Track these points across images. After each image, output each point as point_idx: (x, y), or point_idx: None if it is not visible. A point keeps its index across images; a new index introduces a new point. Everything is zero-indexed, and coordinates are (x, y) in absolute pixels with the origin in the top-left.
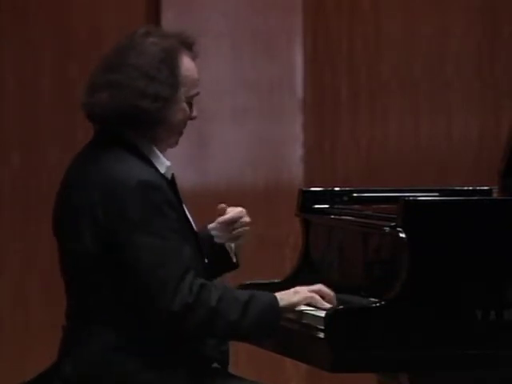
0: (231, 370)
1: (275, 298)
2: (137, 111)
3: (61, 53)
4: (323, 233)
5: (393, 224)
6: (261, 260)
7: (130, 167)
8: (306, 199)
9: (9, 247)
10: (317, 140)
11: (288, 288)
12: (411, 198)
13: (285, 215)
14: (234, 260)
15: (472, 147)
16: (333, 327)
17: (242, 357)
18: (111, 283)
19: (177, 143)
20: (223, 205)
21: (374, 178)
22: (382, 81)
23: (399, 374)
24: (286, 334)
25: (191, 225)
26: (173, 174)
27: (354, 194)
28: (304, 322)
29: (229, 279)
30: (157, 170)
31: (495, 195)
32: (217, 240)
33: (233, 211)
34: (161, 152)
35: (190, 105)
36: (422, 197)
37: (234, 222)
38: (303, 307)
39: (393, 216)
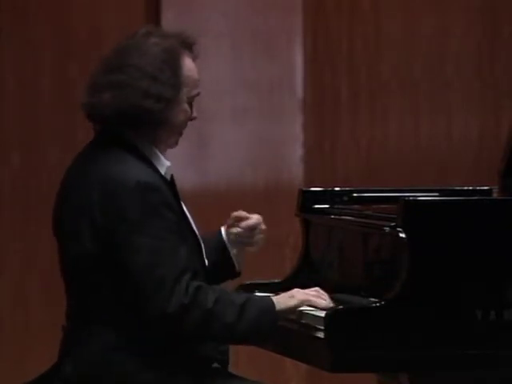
0: (231, 370)
1: (272, 301)
2: (139, 111)
3: (61, 53)
4: (323, 233)
5: (393, 224)
6: (261, 260)
7: (129, 168)
8: (306, 199)
9: (9, 247)
10: (317, 140)
11: (288, 288)
12: (411, 198)
13: (285, 215)
14: (237, 268)
15: (472, 147)
16: (333, 327)
17: (242, 357)
18: (111, 283)
19: (177, 143)
20: (242, 211)
21: (374, 177)
22: (382, 81)
23: (399, 374)
24: (285, 334)
25: (191, 225)
26: (172, 175)
27: (354, 194)
28: (304, 322)
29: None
30: (157, 170)
31: (495, 195)
32: (231, 245)
33: (254, 217)
34: (161, 152)
35: (191, 105)
36: (422, 197)
37: (255, 228)
38: (303, 307)
39: (393, 216)
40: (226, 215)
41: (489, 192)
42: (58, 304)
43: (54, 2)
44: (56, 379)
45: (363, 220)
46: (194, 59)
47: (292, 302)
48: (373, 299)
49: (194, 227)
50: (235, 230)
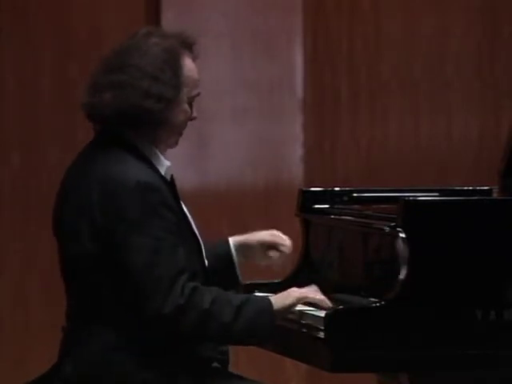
0: (231, 370)
1: (269, 302)
2: (140, 111)
3: (61, 53)
4: (323, 233)
5: (393, 224)
6: None
7: (129, 168)
8: (306, 199)
9: (9, 247)
10: (317, 140)
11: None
12: (411, 198)
13: (285, 215)
14: (240, 280)
15: (472, 147)
16: (333, 327)
17: (242, 357)
18: (111, 283)
19: (177, 143)
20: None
21: (374, 177)
22: (382, 81)
23: (399, 374)
24: (285, 333)
25: (191, 226)
26: (172, 175)
27: (354, 194)
28: (304, 322)
29: None
30: (156, 170)
31: (495, 195)
32: (238, 257)
33: (287, 246)
34: (161, 152)
35: (191, 105)
36: (422, 197)
37: (274, 246)
38: (303, 307)
39: (393, 216)
40: (226, 215)
41: (489, 192)
42: (58, 304)
43: (53, 2)
44: (56, 379)
45: (363, 220)
46: (194, 59)
47: (288, 301)
48: (373, 299)
49: (194, 227)
50: (254, 243)
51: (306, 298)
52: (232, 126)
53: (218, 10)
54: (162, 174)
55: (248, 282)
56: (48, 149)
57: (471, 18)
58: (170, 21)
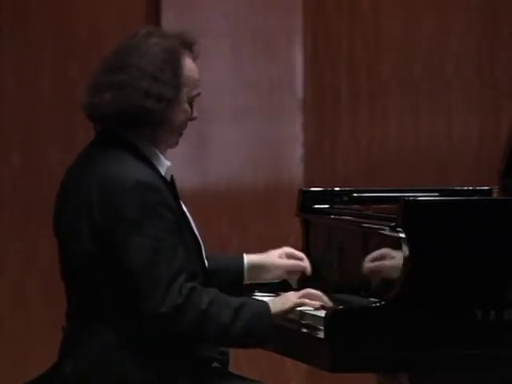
0: (231, 370)
1: (267, 305)
2: (140, 111)
3: (61, 53)
4: (323, 233)
5: (393, 224)
6: None
7: (129, 167)
8: (306, 199)
9: (9, 247)
10: (317, 140)
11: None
12: (411, 198)
13: (285, 215)
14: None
15: (472, 147)
16: (333, 327)
17: (242, 357)
18: (111, 283)
19: (177, 144)
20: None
21: (374, 177)
22: (382, 81)
23: (399, 374)
24: (285, 334)
25: (191, 226)
26: (172, 175)
27: (354, 194)
28: (304, 322)
29: None
30: (156, 170)
31: (495, 195)
32: (248, 275)
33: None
34: (161, 152)
35: (191, 105)
36: (422, 197)
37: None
38: (303, 307)
39: (393, 216)
40: (226, 215)
41: (489, 192)
42: (58, 304)
43: (54, 2)
44: (56, 379)
45: (363, 220)
46: (195, 59)
47: (287, 305)
48: (373, 299)
49: (194, 227)
50: (279, 266)
51: (303, 304)
52: (232, 125)
53: (218, 10)
54: (163, 174)
55: (248, 282)
56: (48, 149)
57: (471, 18)
58: (170, 21)
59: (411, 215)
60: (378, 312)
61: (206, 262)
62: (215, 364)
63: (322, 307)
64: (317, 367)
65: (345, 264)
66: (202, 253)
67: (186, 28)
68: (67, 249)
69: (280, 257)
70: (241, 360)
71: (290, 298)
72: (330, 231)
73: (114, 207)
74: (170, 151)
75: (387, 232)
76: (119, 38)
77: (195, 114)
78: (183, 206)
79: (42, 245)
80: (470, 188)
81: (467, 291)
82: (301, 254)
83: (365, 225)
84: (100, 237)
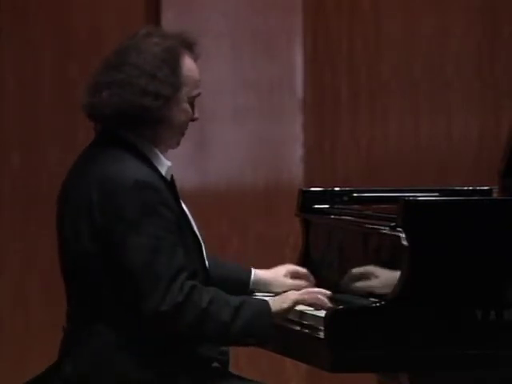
0: (231, 370)
1: (267, 304)
2: (137, 109)
3: (61, 53)
4: (323, 233)
5: (393, 224)
6: (261, 260)
7: (128, 167)
8: (306, 199)
9: (9, 247)
10: (317, 140)
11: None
12: (411, 198)
13: (285, 215)
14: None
15: (472, 147)
16: (333, 327)
17: (242, 357)
18: (111, 283)
19: (178, 144)
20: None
21: (374, 177)
22: (382, 81)
23: (399, 374)
24: (285, 333)
25: (191, 226)
26: (172, 175)
27: (354, 194)
28: (304, 322)
29: None
30: (156, 170)
31: (495, 195)
32: (255, 290)
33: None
34: (162, 153)
35: (192, 105)
36: (422, 197)
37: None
38: (303, 307)
39: (393, 216)
40: (226, 215)
41: (489, 192)
42: (58, 304)
43: (53, 2)
44: (56, 379)
45: (363, 220)
46: (196, 60)
47: (286, 304)
48: (373, 299)
49: (195, 227)
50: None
51: (303, 301)
52: (232, 125)
53: (218, 10)
54: (163, 174)
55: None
56: (48, 149)
57: (471, 17)
58: (170, 21)
59: (411, 215)
60: (378, 312)
61: (207, 263)
62: (215, 364)
63: (322, 307)
64: (317, 367)
65: (345, 264)
66: (202, 252)
67: (186, 28)
68: (67, 249)
69: (285, 275)
70: (241, 360)
71: (290, 297)
72: (330, 231)
73: (114, 207)
74: (170, 151)
75: (387, 232)
76: (119, 38)
77: (197, 115)
78: (183, 206)
79: (42, 245)
80: (470, 188)
81: (467, 291)
82: (304, 271)
83: (365, 225)
84: (100, 237)
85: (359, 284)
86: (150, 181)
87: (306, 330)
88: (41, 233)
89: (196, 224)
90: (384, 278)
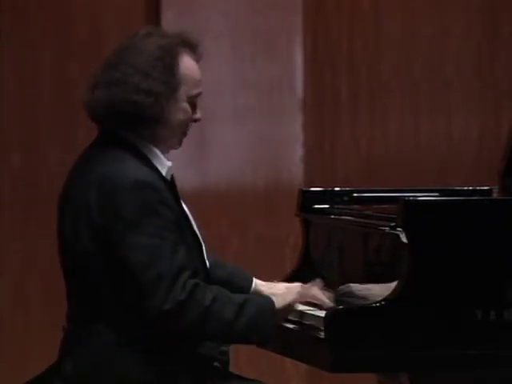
0: (231, 370)
1: (271, 301)
2: (130, 106)
3: (61, 53)
4: (323, 233)
5: (393, 224)
6: (261, 260)
7: (127, 167)
8: (306, 199)
9: (9, 247)
10: (317, 140)
11: None
12: (411, 198)
13: (285, 215)
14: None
15: (472, 147)
16: (333, 327)
17: (242, 357)
18: (111, 283)
19: (180, 144)
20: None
21: (374, 178)
22: (382, 81)
23: (399, 374)
24: (285, 333)
25: (192, 225)
26: (172, 175)
27: (354, 194)
28: (304, 322)
29: None
30: (157, 170)
31: (495, 195)
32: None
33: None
34: (162, 153)
35: (193, 105)
36: (422, 197)
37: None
38: (303, 307)
39: (393, 216)
40: (226, 215)
41: (489, 192)
42: (58, 304)
43: (54, 2)
44: (56, 379)
45: (363, 220)
46: (197, 60)
47: (289, 298)
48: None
49: (195, 227)
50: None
51: (306, 295)
52: (232, 125)
53: (218, 10)
54: (163, 174)
55: None
56: (48, 149)
57: (471, 17)
58: (170, 21)
59: (411, 215)
60: (377, 312)
61: (207, 263)
62: (216, 363)
63: (322, 307)
64: (317, 367)
65: (345, 264)
66: (202, 252)
67: (186, 28)
68: (67, 249)
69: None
70: (241, 360)
71: (292, 290)
72: (330, 231)
73: (113, 207)
74: (170, 151)
75: (387, 232)
76: (119, 38)
77: (199, 115)
78: (184, 206)
79: (42, 245)
80: (470, 188)
81: (467, 291)
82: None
83: (365, 225)
84: (99, 236)
85: (359, 284)
86: (150, 180)
87: (306, 330)
88: (41, 233)
89: (196, 224)
90: (384, 277)
